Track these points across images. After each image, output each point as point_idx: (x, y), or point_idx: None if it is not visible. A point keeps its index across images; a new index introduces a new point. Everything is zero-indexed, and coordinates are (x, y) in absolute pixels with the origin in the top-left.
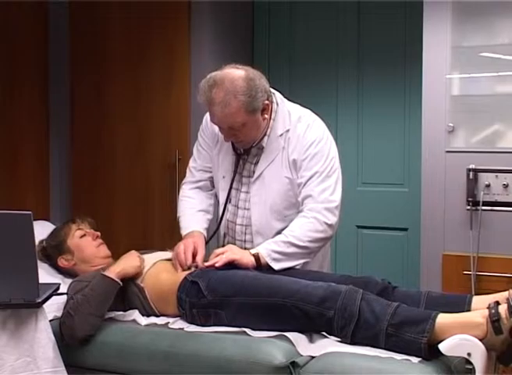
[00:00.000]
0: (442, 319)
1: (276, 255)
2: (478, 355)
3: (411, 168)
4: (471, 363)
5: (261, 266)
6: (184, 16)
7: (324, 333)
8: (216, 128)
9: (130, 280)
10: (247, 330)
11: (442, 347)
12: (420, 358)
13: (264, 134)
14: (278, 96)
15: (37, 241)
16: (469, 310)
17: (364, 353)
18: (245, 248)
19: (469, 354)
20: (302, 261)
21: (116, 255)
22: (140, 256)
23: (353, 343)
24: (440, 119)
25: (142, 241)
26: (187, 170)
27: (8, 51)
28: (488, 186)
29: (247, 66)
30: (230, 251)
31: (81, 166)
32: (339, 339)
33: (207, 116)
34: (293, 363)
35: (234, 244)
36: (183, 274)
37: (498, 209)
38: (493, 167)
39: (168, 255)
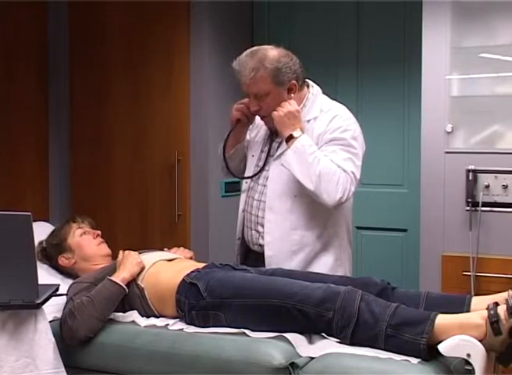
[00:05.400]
0: (442, 319)
1: (302, 148)
2: (478, 356)
3: (410, 169)
4: (470, 364)
5: (288, 142)
6: (184, 16)
7: (323, 334)
8: (257, 119)
9: (132, 280)
10: (247, 331)
11: (441, 347)
12: (419, 359)
13: None
14: (316, 89)
15: (36, 242)
16: (468, 311)
17: (364, 354)
18: (257, 223)
19: (468, 355)
20: (300, 173)
21: (116, 256)
22: (136, 253)
23: (352, 344)
24: (439, 120)
25: (141, 242)
26: None
27: (7, 50)
28: (487, 187)
29: None
30: (285, 107)
31: (81, 167)
32: (338, 340)
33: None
34: (293, 364)
35: (250, 219)
36: (181, 276)
37: (497, 210)
38: (493, 168)
39: (167, 255)
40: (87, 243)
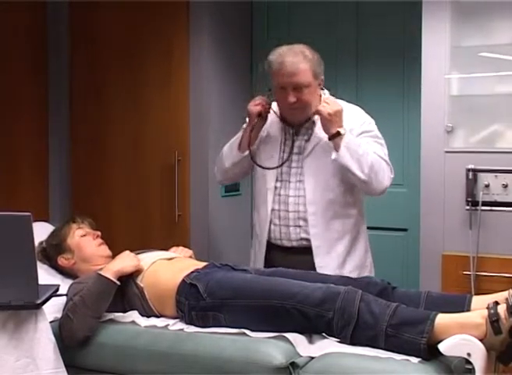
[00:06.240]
0: (442, 319)
1: (350, 143)
2: (478, 355)
3: (410, 168)
4: (470, 363)
5: (333, 138)
6: (183, 16)
7: (323, 333)
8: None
9: (131, 280)
10: (246, 331)
11: (441, 347)
12: (419, 359)
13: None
14: (325, 91)
15: (36, 242)
16: (469, 310)
17: (364, 353)
18: (298, 218)
19: (469, 354)
20: (354, 165)
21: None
22: (136, 256)
23: (352, 344)
24: (439, 119)
25: (141, 242)
26: None
27: (7, 50)
28: (487, 186)
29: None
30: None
31: (80, 168)
32: (338, 340)
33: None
34: (293, 364)
35: (287, 217)
36: (181, 276)
37: (497, 209)
38: (492, 167)
39: (166, 254)
40: (86, 244)
